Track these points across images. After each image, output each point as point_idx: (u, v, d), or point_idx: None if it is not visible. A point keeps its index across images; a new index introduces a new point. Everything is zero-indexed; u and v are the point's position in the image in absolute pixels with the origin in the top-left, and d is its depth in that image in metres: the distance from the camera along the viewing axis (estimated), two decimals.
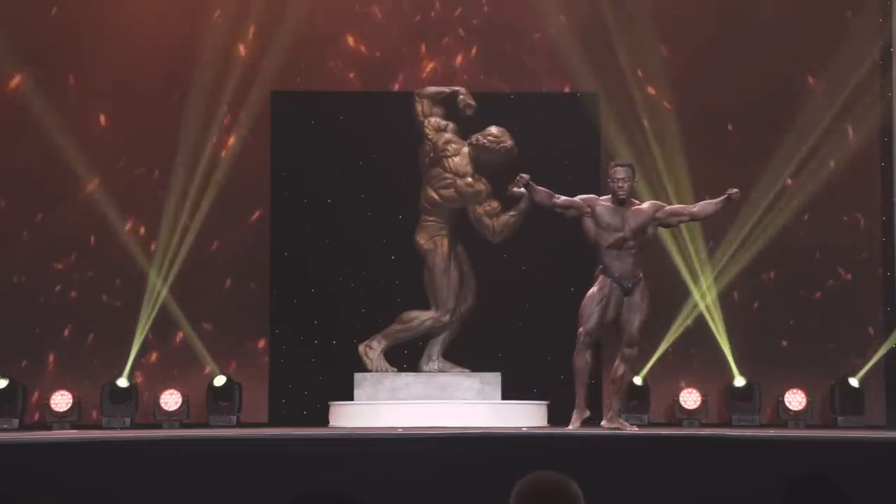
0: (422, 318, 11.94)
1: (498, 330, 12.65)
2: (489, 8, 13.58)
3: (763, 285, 13.55)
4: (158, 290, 13.03)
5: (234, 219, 13.33)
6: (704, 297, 13.23)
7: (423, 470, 7.73)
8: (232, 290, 13.33)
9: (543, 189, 10.45)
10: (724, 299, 13.29)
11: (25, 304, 13.15)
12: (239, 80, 13.18)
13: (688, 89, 13.46)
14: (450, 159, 11.71)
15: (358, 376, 11.82)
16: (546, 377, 12.27)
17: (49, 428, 12.53)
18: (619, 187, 10.33)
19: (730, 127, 13.52)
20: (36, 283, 13.20)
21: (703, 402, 13.09)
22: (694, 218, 10.95)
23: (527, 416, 11.43)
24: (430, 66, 13.51)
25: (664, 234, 12.61)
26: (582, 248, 10.74)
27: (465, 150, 11.72)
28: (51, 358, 13.16)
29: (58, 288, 13.21)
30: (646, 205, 10.53)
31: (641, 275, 10.48)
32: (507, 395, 11.69)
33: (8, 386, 12.69)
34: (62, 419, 12.65)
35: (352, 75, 13.50)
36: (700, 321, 13.27)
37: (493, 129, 11.66)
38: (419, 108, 11.85)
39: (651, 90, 13.41)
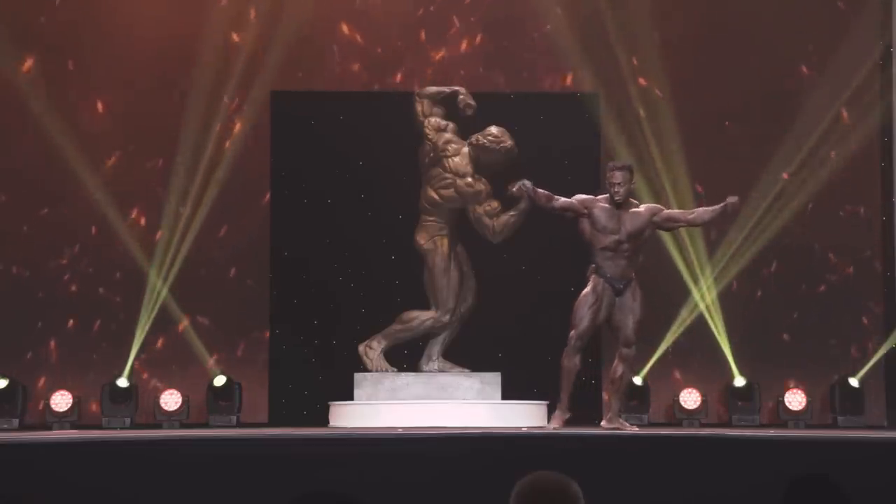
0: (422, 318, 11.94)
1: (498, 330, 12.64)
2: (490, 6, 13.58)
3: (763, 285, 13.54)
4: (159, 289, 13.04)
5: (235, 218, 13.33)
6: (704, 297, 13.23)
7: (423, 470, 7.73)
8: (232, 289, 13.33)
9: (543, 192, 10.44)
10: (724, 299, 13.29)
11: (25, 302, 13.15)
12: (239, 80, 13.18)
13: (687, 88, 13.45)
14: (450, 159, 11.71)
15: (358, 376, 11.82)
16: (546, 377, 12.21)
17: (49, 428, 12.53)
18: (615, 192, 10.29)
19: (727, 123, 13.51)
20: (35, 281, 13.20)
21: (703, 402, 13.09)
22: (690, 225, 10.97)
23: (527, 416, 11.43)
24: (438, 55, 13.50)
25: (664, 234, 12.62)
26: (581, 248, 10.73)
27: (465, 150, 11.72)
28: (51, 357, 13.16)
29: (58, 287, 13.23)
30: (643, 208, 10.47)
31: (633, 275, 10.44)
32: (507, 395, 11.69)
33: (8, 386, 12.69)
34: (62, 419, 12.65)
35: (354, 70, 13.48)
36: (700, 321, 13.27)
37: (493, 129, 11.66)
38: (419, 108, 11.85)
39: (643, 81, 13.39)
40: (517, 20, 13.53)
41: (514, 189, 10.59)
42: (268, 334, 13.27)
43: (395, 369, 11.93)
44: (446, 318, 11.86)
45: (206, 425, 12.73)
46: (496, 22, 13.56)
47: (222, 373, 13.01)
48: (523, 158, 11.61)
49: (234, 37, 13.27)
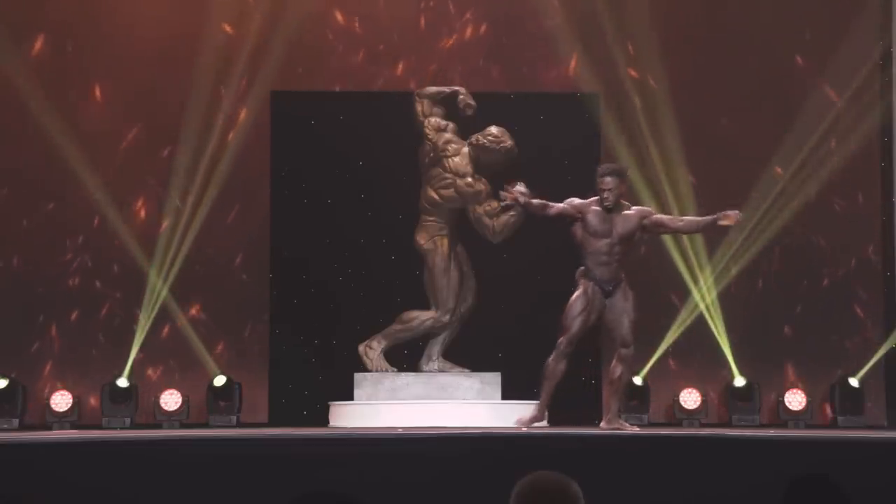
0: (422, 318, 11.95)
1: (498, 330, 12.64)
2: (491, 5, 13.58)
3: (763, 284, 13.54)
4: (159, 290, 13.04)
5: (235, 218, 13.33)
6: (704, 297, 13.23)
7: (423, 470, 7.73)
8: (232, 289, 13.33)
9: (538, 202, 10.37)
10: (724, 299, 13.29)
11: (25, 302, 13.15)
12: (239, 80, 13.19)
13: (687, 88, 13.45)
14: (450, 159, 11.71)
15: (358, 376, 11.83)
16: None
17: (49, 428, 12.54)
18: (605, 197, 10.23)
19: (726, 122, 13.51)
20: (35, 281, 13.21)
21: (703, 402, 13.09)
22: (678, 232, 10.92)
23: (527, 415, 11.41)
24: (438, 54, 13.51)
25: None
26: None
27: (465, 150, 11.72)
28: (51, 357, 13.17)
29: (58, 287, 13.23)
30: (634, 210, 10.35)
31: (623, 276, 10.40)
32: (507, 395, 11.69)
33: (8, 386, 12.69)
34: (62, 419, 12.66)
35: (354, 70, 13.49)
36: (700, 321, 13.27)
37: (493, 129, 11.66)
38: (419, 108, 11.85)
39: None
40: (517, 18, 13.53)
41: (505, 196, 10.52)
42: (268, 334, 13.27)
43: (395, 369, 11.94)
44: (446, 318, 11.87)
45: (206, 425, 12.74)
46: (497, 21, 13.57)
47: (222, 373, 13.01)
48: (523, 158, 11.62)
49: (234, 34, 13.25)
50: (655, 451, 8.41)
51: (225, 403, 12.92)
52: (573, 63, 13.41)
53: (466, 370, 11.89)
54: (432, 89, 12.02)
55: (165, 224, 13.13)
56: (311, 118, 13.30)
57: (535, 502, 3.67)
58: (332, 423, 11.71)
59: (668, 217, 10.88)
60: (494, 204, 11.61)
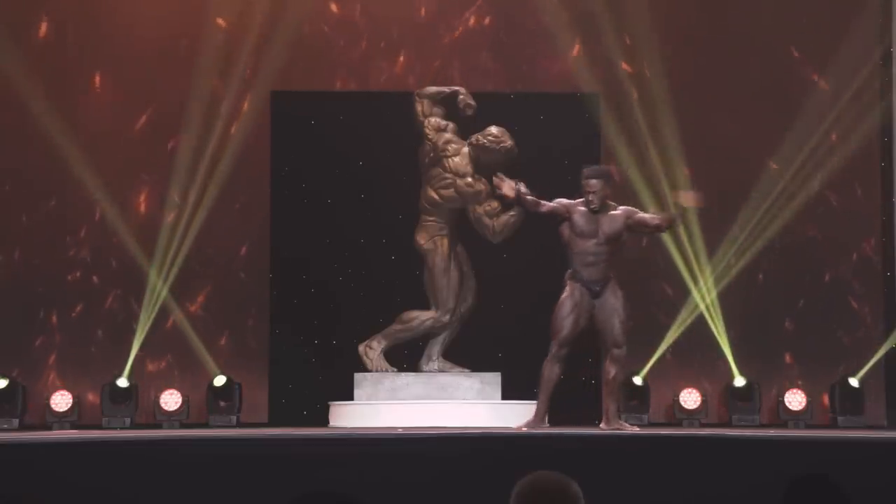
0: (422, 318, 11.94)
1: (498, 330, 12.64)
2: (492, 3, 13.59)
3: (763, 284, 13.54)
4: (159, 290, 13.03)
5: (235, 218, 13.33)
6: (704, 297, 13.23)
7: (423, 470, 7.73)
8: (232, 289, 13.33)
9: (532, 199, 10.37)
10: (724, 299, 13.29)
11: (25, 302, 13.16)
12: (239, 80, 13.18)
13: (687, 87, 13.45)
14: (450, 159, 11.71)
15: (358, 376, 11.82)
16: None
17: (49, 428, 12.54)
18: (590, 200, 10.22)
19: (726, 122, 13.50)
20: (35, 281, 13.21)
21: (703, 402, 13.09)
22: (658, 230, 10.73)
23: (527, 416, 11.39)
24: (439, 54, 13.52)
25: (665, 233, 12.66)
26: None
27: (465, 150, 11.72)
28: (51, 358, 13.17)
29: (58, 287, 13.23)
30: (620, 211, 10.32)
31: (612, 275, 10.37)
32: (507, 395, 11.69)
33: (8, 386, 12.69)
34: (62, 419, 12.66)
35: (354, 69, 13.50)
36: (700, 321, 13.26)
37: (493, 129, 11.65)
38: (419, 108, 11.85)
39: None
40: (518, 16, 13.53)
41: (497, 183, 10.51)
42: (268, 334, 13.27)
43: (395, 369, 11.93)
44: (446, 318, 11.86)
45: (206, 425, 12.73)
46: (497, 20, 13.56)
47: (222, 373, 13.01)
48: (523, 158, 11.61)
49: (234, 33, 13.24)
50: (655, 451, 8.41)
51: (225, 403, 12.92)
52: (573, 62, 13.40)
53: (466, 370, 11.89)
54: (432, 89, 12.01)
55: (165, 223, 13.12)
56: (311, 118, 13.30)
57: (535, 502, 3.67)
58: (332, 423, 11.70)
59: (649, 216, 10.77)
60: (494, 204, 11.61)
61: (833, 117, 13.37)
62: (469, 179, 11.66)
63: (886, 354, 13.26)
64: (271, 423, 12.83)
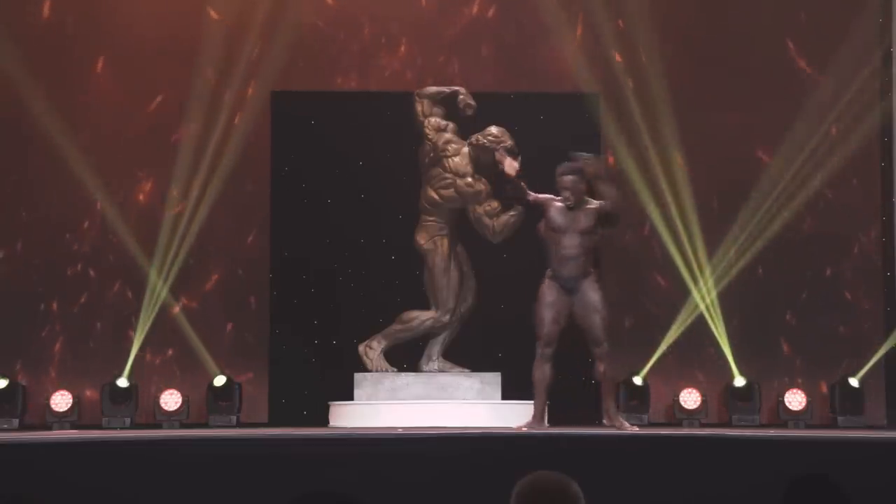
0: (422, 318, 11.94)
1: (498, 330, 12.63)
2: (492, 3, 13.59)
3: (763, 285, 13.54)
4: (159, 290, 13.03)
5: (235, 218, 13.33)
6: (704, 297, 13.22)
7: (423, 470, 7.73)
8: (232, 289, 13.33)
9: (523, 185, 10.40)
10: (724, 299, 13.29)
11: (25, 301, 13.16)
12: (239, 80, 13.18)
13: (688, 87, 13.45)
14: (450, 159, 11.71)
15: (358, 376, 11.82)
16: None
17: (49, 428, 12.54)
18: (566, 197, 10.20)
19: (725, 121, 13.50)
20: (35, 279, 13.21)
21: (703, 402, 13.09)
22: (613, 210, 10.43)
23: (527, 416, 11.39)
24: (440, 52, 13.52)
25: (664, 232, 12.65)
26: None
27: (465, 150, 11.72)
28: (52, 358, 13.16)
29: (58, 287, 13.23)
30: (595, 205, 10.28)
31: (591, 271, 10.34)
32: (507, 395, 11.68)
33: (8, 386, 12.69)
34: (62, 419, 12.65)
35: (354, 69, 13.50)
36: (700, 321, 13.26)
37: (493, 129, 11.65)
38: (419, 108, 11.85)
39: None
40: (517, 17, 13.53)
41: (500, 158, 10.51)
42: (268, 334, 13.27)
43: (395, 369, 11.93)
44: (446, 318, 11.86)
45: (206, 425, 12.73)
46: (498, 19, 13.56)
47: (222, 373, 13.01)
48: (523, 158, 11.58)
49: (233, 32, 13.24)
50: (655, 451, 8.41)
51: (225, 403, 12.92)
52: (573, 62, 13.40)
53: (466, 370, 11.89)
54: (432, 89, 12.01)
55: (166, 222, 13.12)
56: (311, 118, 13.30)
57: (535, 502, 3.67)
58: (332, 423, 11.70)
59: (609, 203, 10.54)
60: (494, 204, 11.61)
61: (833, 117, 13.36)
62: (469, 179, 11.66)
63: (886, 354, 13.26)
64: (271, 423, 12.83)
